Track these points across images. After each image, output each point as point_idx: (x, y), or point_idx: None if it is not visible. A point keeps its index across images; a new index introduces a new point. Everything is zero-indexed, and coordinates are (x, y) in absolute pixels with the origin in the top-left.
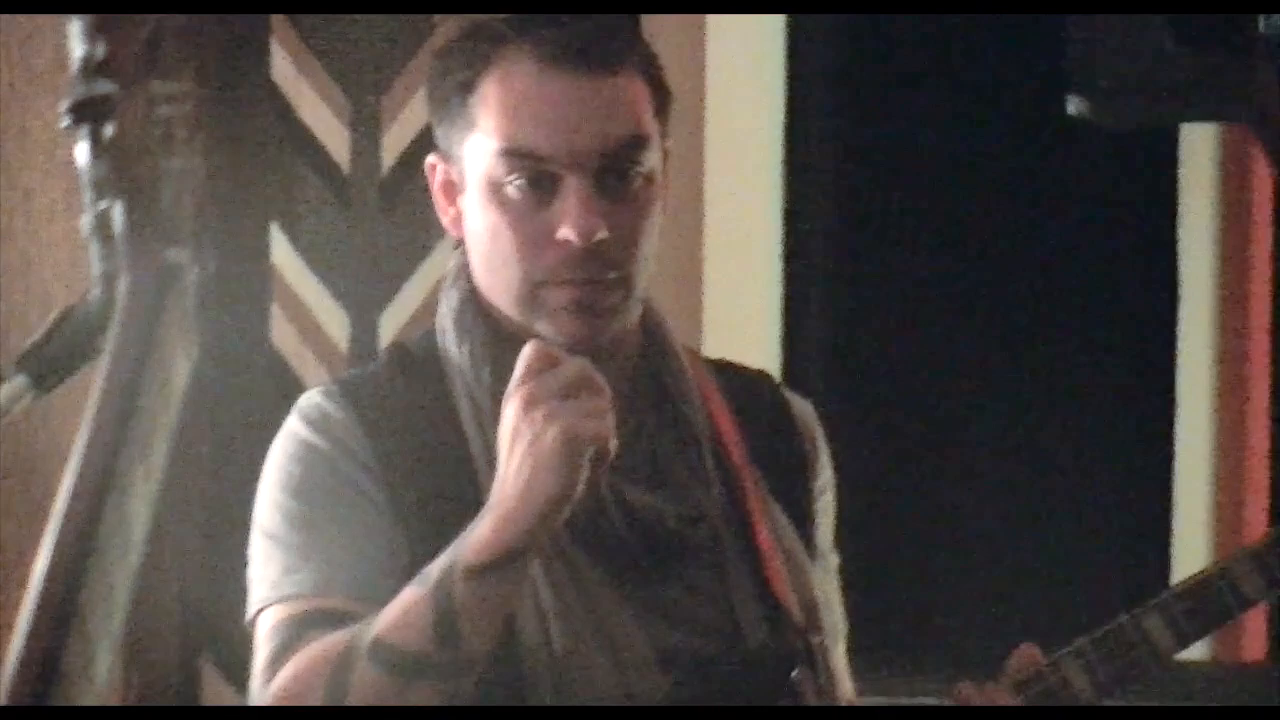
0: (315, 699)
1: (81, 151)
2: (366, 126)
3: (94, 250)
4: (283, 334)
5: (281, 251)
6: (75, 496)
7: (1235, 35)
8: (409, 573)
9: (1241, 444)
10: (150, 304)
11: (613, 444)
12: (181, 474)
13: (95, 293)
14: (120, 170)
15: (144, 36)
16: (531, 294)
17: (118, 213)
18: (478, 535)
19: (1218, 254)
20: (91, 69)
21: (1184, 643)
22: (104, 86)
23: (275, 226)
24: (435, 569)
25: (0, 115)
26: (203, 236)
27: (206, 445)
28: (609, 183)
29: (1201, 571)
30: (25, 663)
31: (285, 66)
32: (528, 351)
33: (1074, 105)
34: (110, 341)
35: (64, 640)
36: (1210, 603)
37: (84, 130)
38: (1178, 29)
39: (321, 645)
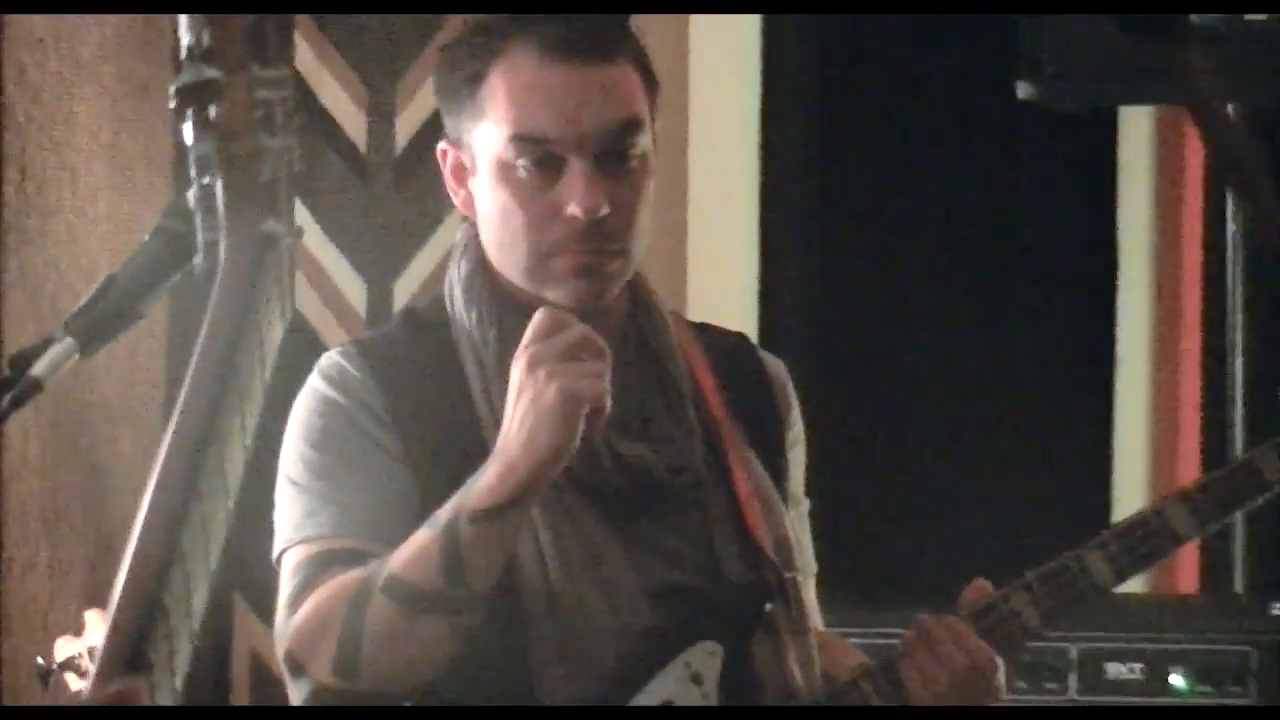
0: (334, 629)
1: (187, 131)
2: (381, 111)
3: (198, 221)
4: (306, 299)
5: (305, 225)
6: (178, 446)
7: (1171, 25)
8: (419, 517)
9: (1175, 398)
10: (249, 270)
11: (608, 401)
12: None
13: (199, 259)
14: (222, 149)
15: (246, 27)
16: (540, 264)
17: (219, 187)
18: (483, 483)
19: (1154, 224)
20: (198, 56)
21: (1122, 577)
22: (209, 72)
23: (298, 201)
24: (444, 513)
25: (49, 101)
26: (292, 209)
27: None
28: (608, 163)
29: (1138, 513)
30: (131, 589)
31: (308, 56)
32: (538, 317)
33: (1023, 90)
34: (211, 303)
35: (168, 577)
36: (1146, 541)
37: (190, 112)
38: (1119, 19)
39: (339, 581)
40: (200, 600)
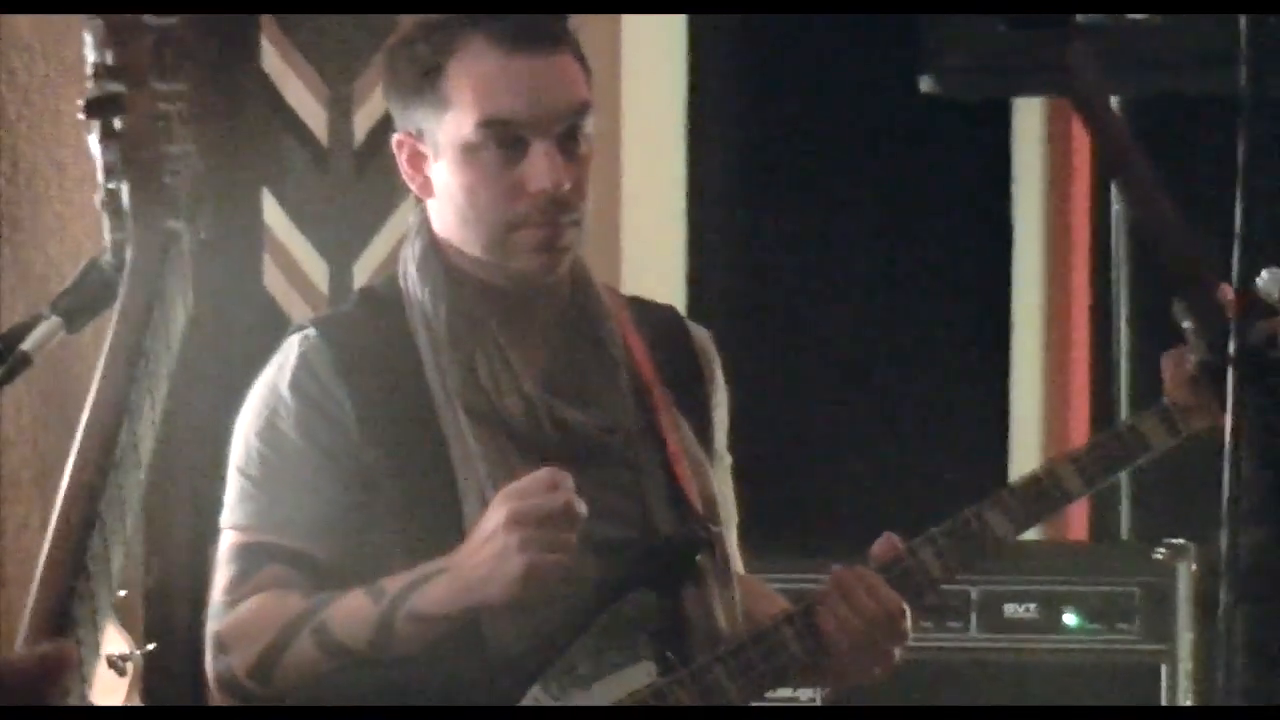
0: (262, 641)
1: (95, 140)
2: (341, 107)
3: (105, 222)
4: (273, 279)
5: (272, 211)
6: (94, 422)
7: (1056, 23)
8: (362, 506)
9: (1066, 368)
10: (153, 265)
11: (569, 562)
12: (193, 393)
13: (107, 257)
14: (128, 156)
15: (148, 45)
16: (505, 237)
17: (125, 191)
18: (431, 590)
19: (1045, 205)
20: (104, 72)
21: (1018, 531)
22: (114, 87)
23: (266, 190)
24: (390, 591)
25: (38, 101)
26: (195, 209)
27: (212, 369)
28: (566, 143)
29: (1033, 472)
30: (56, 553)
31: (273, 58)
32: (542, 475)
33: (926, 84)
34: (120, 296)
35: (87, 538)
36: (1040, 498)
37: (97, 123)
38: (1009, 18)
39: (280, 601)
40: (118, 560)
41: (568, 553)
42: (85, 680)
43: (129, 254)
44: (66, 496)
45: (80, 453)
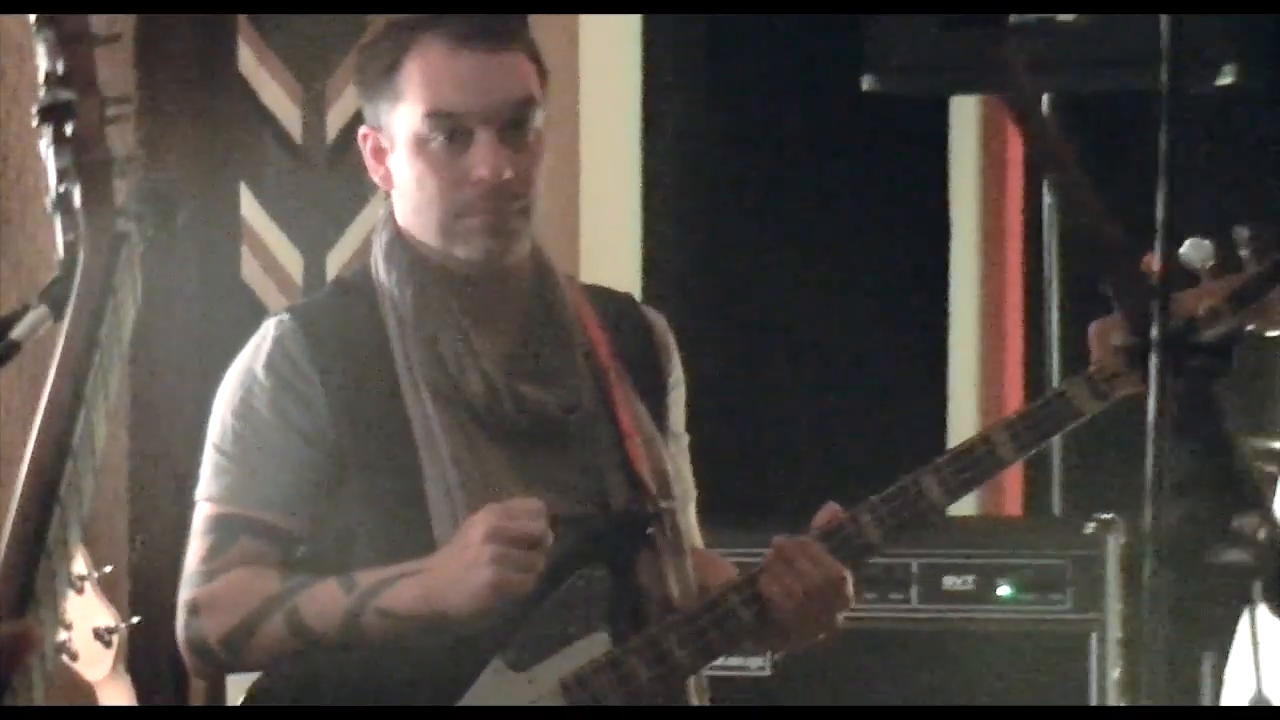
0: (238, 615)
1: (46, 145)
2: (314, 105)
3: (58, 223)
4: (250, 269)
5: (249, 204)
6: (52, 412)
7: (990, 23)
8: (331, 480)
9: (1001, 343)
10: (104, 264)
11: (530, 586)
12: (173, 377)
13: (60, 256)
14: (78, 160)
15: (94, 53)
16: (453, 223)
17: (76, 193)
18: (400, 588)
19: (980, 197)
20: (54, 80)
21: (954, 497)
22: (64, 94)
23: (243, 185)
24: (361, 584)
25: (27, 101)
26: (154, 210)
27: (192, 355)
28: (510, 135)
29: (968, 440)
30: (17, 535)
31: (249, 59)
32: (529, 502)
33: (868, 82)
34: (74, 294)
35: (47, 522)
36: (974, 465)
37: (48, 129)
38: (942, 19)
39: (255, 580)
40: (74, 541)
41: (534, 575)
42: (45, 657)
43: (81, 254)
44: (26, 483)
45: (38, 441)
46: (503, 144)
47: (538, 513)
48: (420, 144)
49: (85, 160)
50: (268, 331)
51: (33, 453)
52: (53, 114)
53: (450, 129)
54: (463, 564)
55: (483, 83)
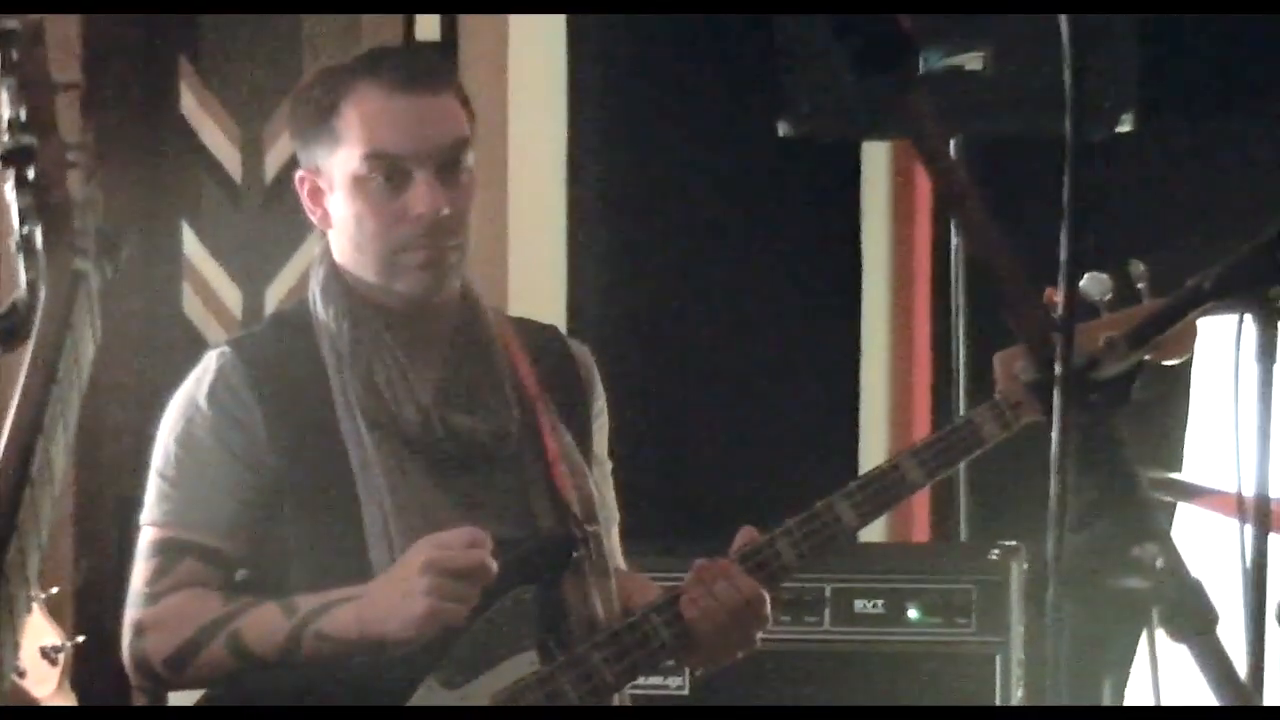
0: (180, 636)
1: (9, 189)
2: (253, 147)
3: (19, 263)
4: (191, 304)
5: (190, 242)
6: (12, 442)
7: (900, 70)
8: (268, 505)
9: (910, 373)
10: (64, 301)
11: (463, 618)
12: (116, 407)
13: (21, 294)
14: (40, 201)
15: (54, 101)
16: (392, 260)
17: (38, 234)
18: (339, 614)
19: (891, 235)
20: (16, 126)
21: (865, 520)
22: (26, 139)
23: (185, 223)
24: (301, 609)
25: None
26: (105, 250)
27: (135, 385)
28: (445, 174)
29: (878, 466)
30: None
31: (191, 103)
32: (462, 532)
33: (784, 128)
34: (35, 329)
35: (4, 543)
36: (885, 490)
37: (11, 172)
38: (852, 66)
39: (198, 604)
40: (33, 566)
41: (468, 605)
42: (2, 678)
43: (42, 292)
44: None
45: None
46: (439, 183)
47: (475, 541)
48: (359, 184)
49: (46, 202)
50: (209, 363)
51: None
52: (15, 158)
53: (388, 169)
54: (400, 593)
55: (419, 126)
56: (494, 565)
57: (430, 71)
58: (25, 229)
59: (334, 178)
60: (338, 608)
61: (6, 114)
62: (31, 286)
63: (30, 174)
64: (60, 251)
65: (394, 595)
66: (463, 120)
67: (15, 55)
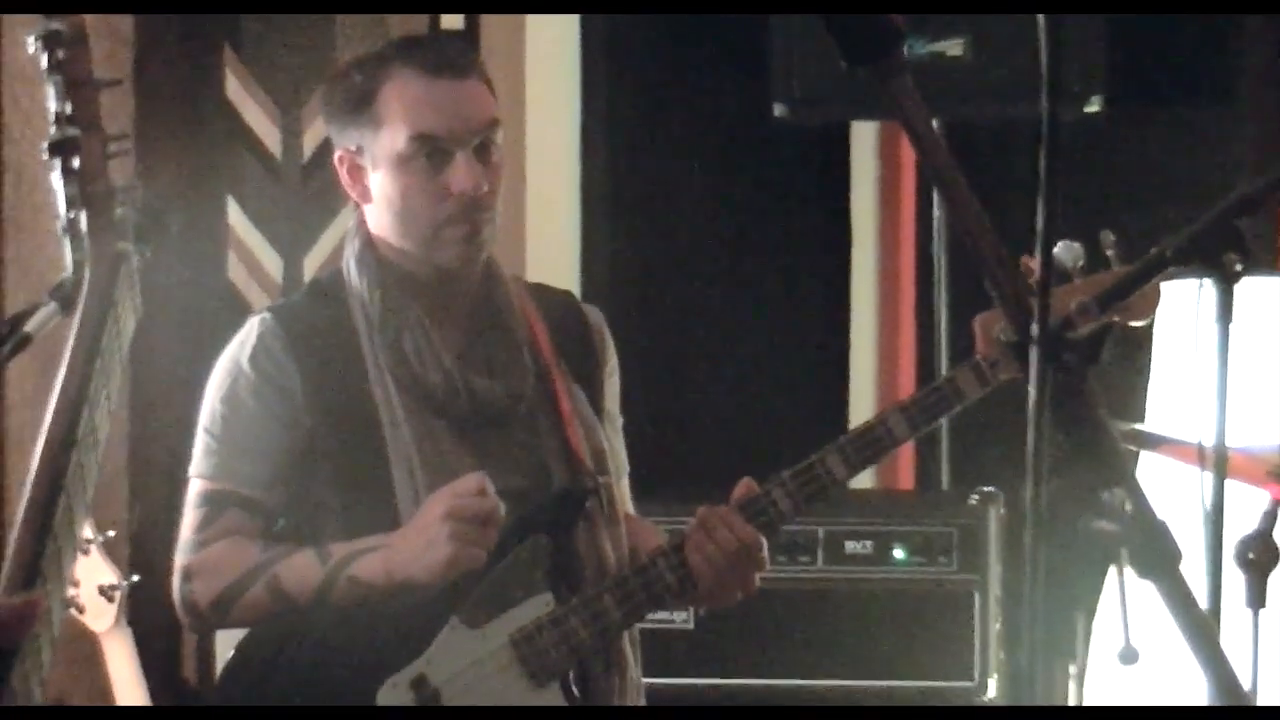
0: (225, 580)
1: (57, 177)
2: (292, 128)
3: (66, 245)
4: (236, 271)
5: (234, 214)
6: (60, 410)
7: (885, 54)
8: (306, 454)
9: (896, 335)
10: (107, 280)
11: (484, 560)
12: (166, 368)
13: (68, 274)
14: (84, 189)
15: (98, 96)
16: (436, 233)
17: (83, 219)
18: (369, 561)
19: (878, 209)
20: (63, 120)
21: (854, 472)
22: (71, 132)
23: (229, 197)
24: (334, 556)
25: (38, 123)
26: (147, 232)
27: (183, 348)
28: (481, 153)
29: (867, 421)
30: (28, 518)
31: (235, 87)
32: (471, 480)
33: (779, 110)
34: (80, 306)
35: (53, 507)
36: (872, 443)
37: (57, 162)
38: (843, 53)
39: (241, 551)
40: (79, 522)
41: (486, 548)
42: (52, 625)
43: (87, 271)
44: (37, 472)
45: (48, 435)
46: (477, 162)
47: (483, 488)
48: (404, 163)
49: (90, 190)
50: (252, 329)
51: (43, 447)
52: (61, 149)
53: (430, 150)
54: (424, 542)
55: (456, 108)
56: (502, 507)
57: (460, 58)
58: (71, 214)
59: (376, 157)
60: (368, 554)
61: (53, 108)
62: (77, 266)
63: (75, 164)
64: (103, 235)
65: (419, 543)
66: (492, 103)
67: (61, 55)
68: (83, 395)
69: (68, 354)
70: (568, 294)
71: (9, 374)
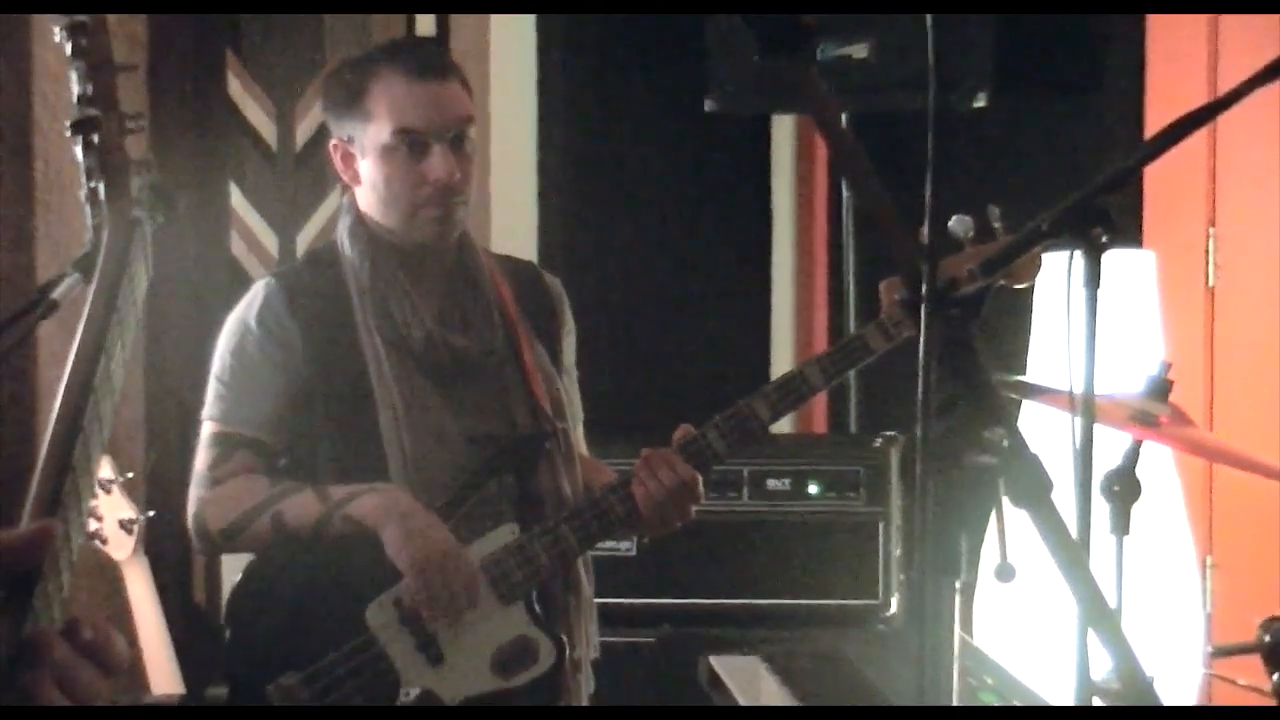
0: (236, 512)
1: (79, 150)
2: (286, 121)
3: (87, 212)
4: (238, 247)
5: (236, 197)
6: (80, 358)
7: (800, 52)
8: (309, 399)
9: (811, 299)
10: (122, 244)
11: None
12: (179, 329)
13: (88, 238)
14: (102, 162)
15: (116, 79)
16: (414, 214)
17: (101, 188)
18: (362, 502)
19: (794, 191)
20: (84, 100)
21: (778, 416)
22: (91, 111)
23: (231, 182)
24: (335, 495)
25: (64, 115)
26: (157, 202)
27: (193, 311)
28: (455, 146)
29: (787, 372)
30: (50, 454)
31: (236, 86)
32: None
33: (709, 103)
34: (98, 266)
35: (72, 445)
36: (793, 391)
37: (80, 137)
38: (759, 49)
39: (250, 487)
40: (96, 459)
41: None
42: (72, 549)
43: (104, 236)
44: (58, 414)
45: (68, 381)
46: (452, 153)
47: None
48: (388, 153)
49: (108, 162)
50: (258, 290)
51: (63, 391)
52: (83, 127)
53: (411, 142)
54: (402, 534)
55: (437, 106)
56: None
57: (440, 61)
58: (91, 184)
59: (365, 146)
60: (362, 497)
61: (76, 90)
62: (96, 231)
63: (95, 139)
64: (119, 203)
65: (398, 534)
66: (468, 102)
67: (84, 43)
68: (100, 345)
69: (86, 308)
70: (531, 264)
71: (39, 335)
